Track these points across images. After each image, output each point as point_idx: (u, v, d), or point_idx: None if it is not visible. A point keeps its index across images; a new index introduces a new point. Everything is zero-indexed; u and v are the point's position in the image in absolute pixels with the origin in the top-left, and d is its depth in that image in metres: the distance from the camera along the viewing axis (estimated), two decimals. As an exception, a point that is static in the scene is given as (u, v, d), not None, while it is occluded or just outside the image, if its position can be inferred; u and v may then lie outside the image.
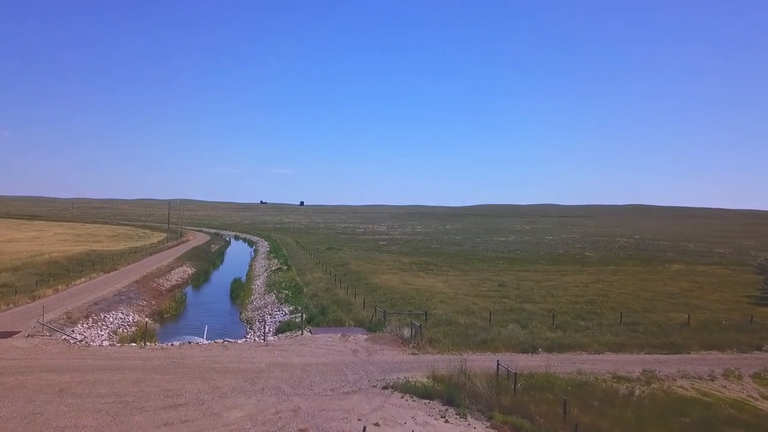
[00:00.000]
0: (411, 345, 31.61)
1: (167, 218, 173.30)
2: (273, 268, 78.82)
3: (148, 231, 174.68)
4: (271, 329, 40.64)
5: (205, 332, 33.70)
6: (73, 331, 35.86)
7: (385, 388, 24.30)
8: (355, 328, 36.76)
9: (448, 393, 23.28)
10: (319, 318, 38.94)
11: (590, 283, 61.54)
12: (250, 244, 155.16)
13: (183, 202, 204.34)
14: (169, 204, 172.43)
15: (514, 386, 23.72)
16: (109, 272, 65.45)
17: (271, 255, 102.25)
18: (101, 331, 38.38)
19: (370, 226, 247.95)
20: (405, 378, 25.43)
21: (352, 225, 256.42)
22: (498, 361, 25.39)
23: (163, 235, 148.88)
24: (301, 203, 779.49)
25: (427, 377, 25.46)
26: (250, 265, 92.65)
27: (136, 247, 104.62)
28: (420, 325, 32.87)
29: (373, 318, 37.85)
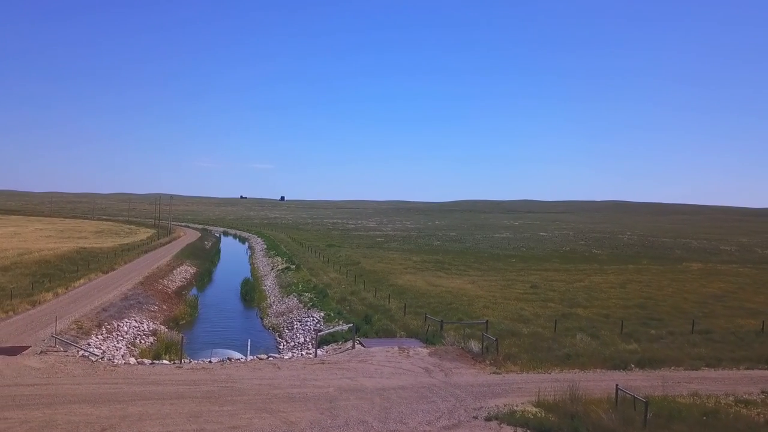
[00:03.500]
0: (487, 362, 27.74)
1: (153, 213, 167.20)
2: (280, 267, 74.35)
3: (133, 227, 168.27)
4: (308, 339, 36.54)
5: (249, 348, 29.54)
6: (88, 344, 31.34)
7: (488, 419, 20.41)
8: (410, 340, 32.81)
9: (571, 427, 19.47)
10: (365, 327, 34.83)
11: (625, 284, 58.36)
12: (242, 240, 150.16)
13: (161, 197, 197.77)
14: (160, 198, 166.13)
15: (645, 417, 20.02)
16: (107, 272, 60.49)
17: (271, 252, 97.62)
18: (118, 343, 33.90)
19: (360, 222, 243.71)
20: (506, 406, 21.58)
21: (340, 221, 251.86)
22: (617, 384, 21.63)
23: (151, 231, 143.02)
24: (282, 198, 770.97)
25: (533, 404, 21.64)
26: (252, 264, 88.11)
27: (127, 244, 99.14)
28: (496, 339, 29.01)
29: (429, 328, 33.89)
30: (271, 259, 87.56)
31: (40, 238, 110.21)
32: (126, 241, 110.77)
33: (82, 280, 53.16)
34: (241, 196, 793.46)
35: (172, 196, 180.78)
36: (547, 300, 47.24)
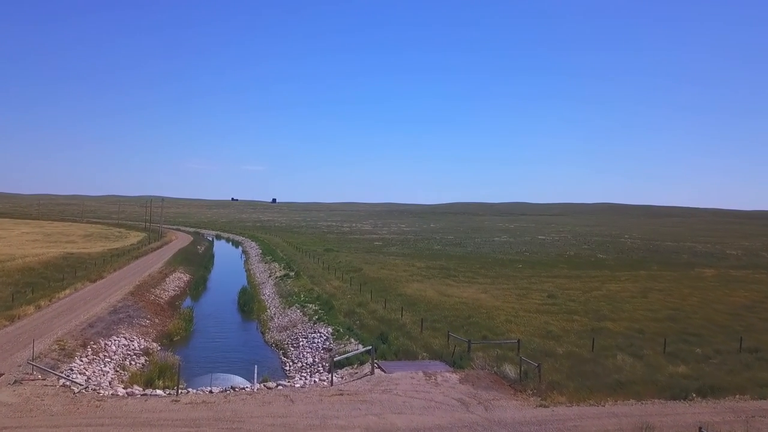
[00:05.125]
0: (528, 391, 24.31)
1: (144, 216, 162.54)
2: (278, 274, 70.63)
3: (123, 230, 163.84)
4: (317, 359, 33.00)
5: (255, 375, 26.00)
6: (71, 369, 27.65)
7: (551, 472, 17.02)
8: (435, 363, 29.34)
9: (655, 483, 16.16)
10: (382, 347, 31.25)
11: (645, 292, 55.11)
12: (236, 244, 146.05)
13: (152, 199, 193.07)
14: (151, 201, 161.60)
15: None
16: (95, 281, 56.56)
17: (267, 258, 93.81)
18: (105, 366, 30.17)
19: (354, 224, 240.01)
20: (568, 453, 18.18)
21: (335, 224, 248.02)
22: (700, 427, 18.28)
23: (141, 235, 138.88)
24: (274, 200, 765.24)
25: (600, 452, 18.26)
26: (247, 270, 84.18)
27: (116, 249, 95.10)
28: (538, 364, 25.57)
29: (455, 349, 30.41)
30: (267, 265, 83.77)
31: (26, 242, 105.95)
32: (115, 245, 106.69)
33: (67, 291, 49.31)
34: (232, 198, 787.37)
35: (163, 198, 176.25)
36: (570, 312, 43.88)
